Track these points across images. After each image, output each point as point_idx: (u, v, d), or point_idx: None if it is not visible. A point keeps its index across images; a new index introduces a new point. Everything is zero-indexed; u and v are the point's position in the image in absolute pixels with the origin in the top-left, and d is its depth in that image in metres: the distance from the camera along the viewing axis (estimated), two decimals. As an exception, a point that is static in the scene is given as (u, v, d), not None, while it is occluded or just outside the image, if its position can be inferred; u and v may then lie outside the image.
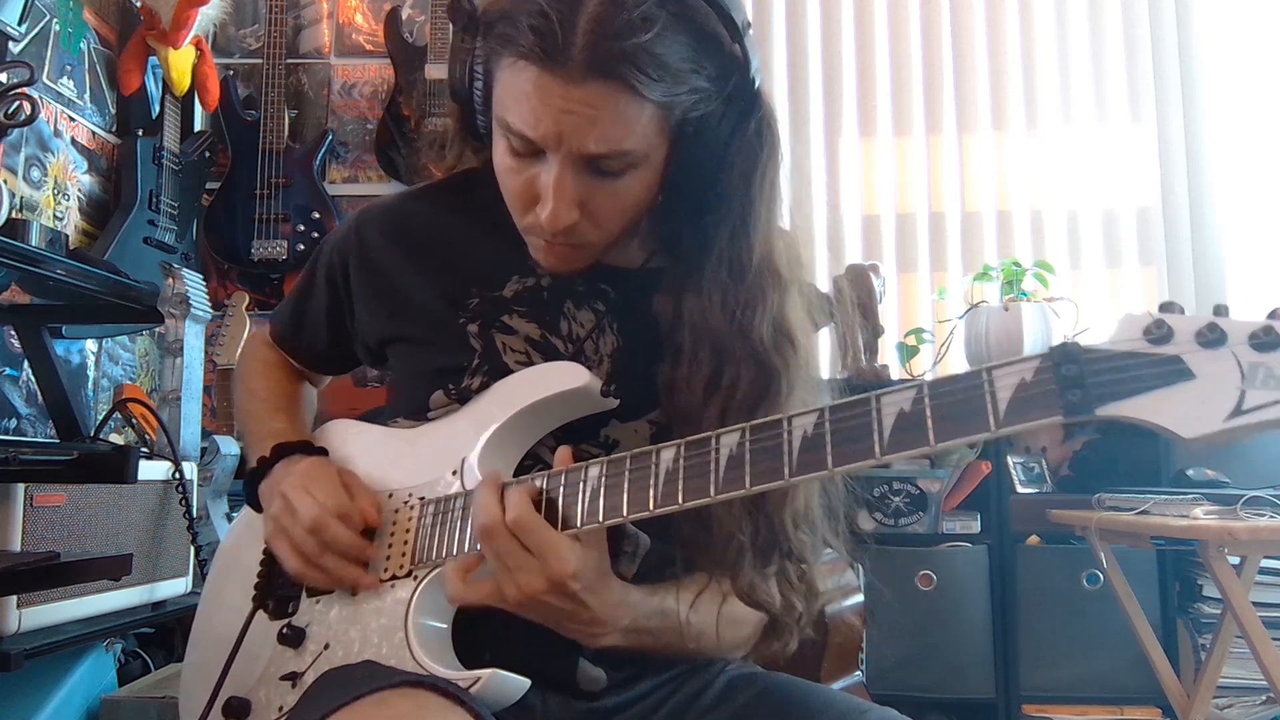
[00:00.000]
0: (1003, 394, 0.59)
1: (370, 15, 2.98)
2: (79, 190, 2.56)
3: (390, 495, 0.88)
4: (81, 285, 1.93)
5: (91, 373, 2.57)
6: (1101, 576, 2.11)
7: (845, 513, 0.86)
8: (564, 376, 0.84)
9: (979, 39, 2.89)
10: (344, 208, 2.84)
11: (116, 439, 2.37)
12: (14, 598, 1.46)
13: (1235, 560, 1.79)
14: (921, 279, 2.83)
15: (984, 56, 2.89)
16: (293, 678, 0.83)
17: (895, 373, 2.48)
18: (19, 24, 1.96)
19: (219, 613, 0.95)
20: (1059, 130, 2.84)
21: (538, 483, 0.78)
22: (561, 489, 0.76)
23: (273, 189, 2.76)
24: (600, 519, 0.74)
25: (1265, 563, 1.99)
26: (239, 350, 2.39)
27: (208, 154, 2.83)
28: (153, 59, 2.67)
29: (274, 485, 0.89)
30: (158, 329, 2.47)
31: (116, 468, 1.59)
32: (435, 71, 2.77)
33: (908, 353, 2.53)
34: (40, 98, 1.89)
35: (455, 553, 0.80)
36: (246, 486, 0.95)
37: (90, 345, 2.56)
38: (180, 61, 2.62)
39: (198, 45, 2.67)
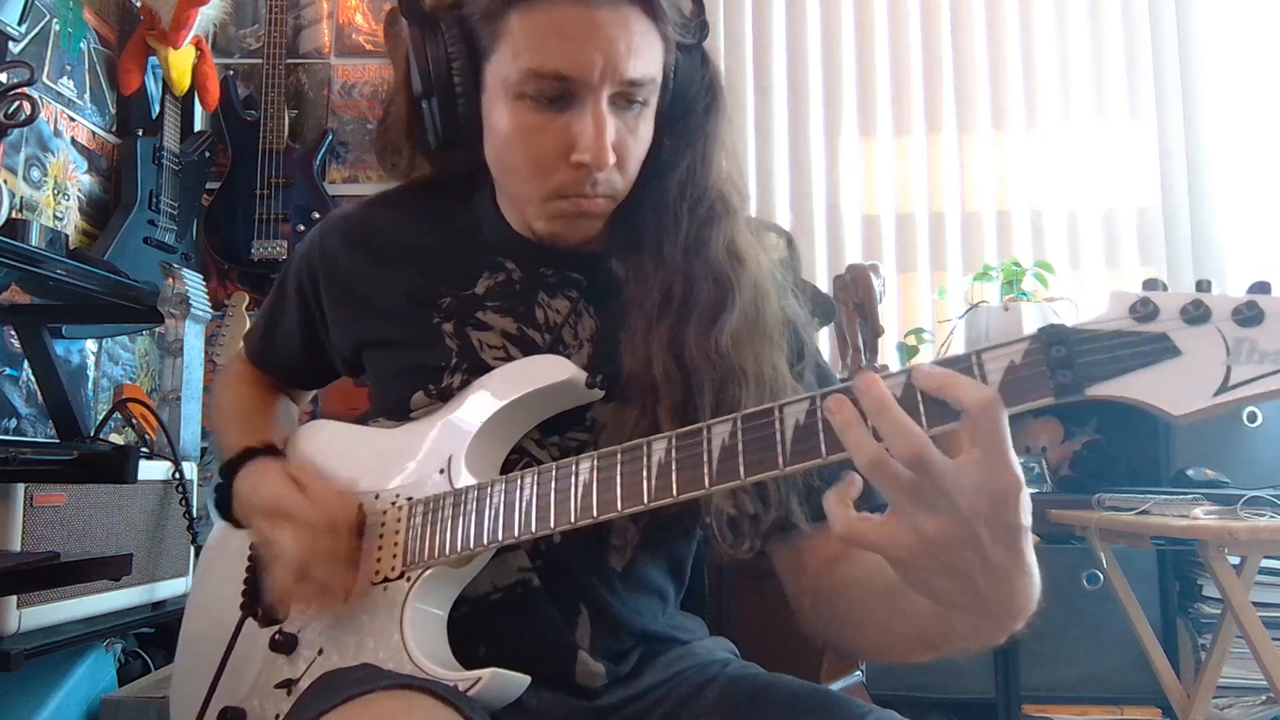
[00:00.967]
0: (993, 377, 0.59)
1: (370, 15, 2.98)
2: (79, 190, 2.56)
3: (377, 496, 0.88)
4: (81, 285, 1.93)
5: (91, 373, 2.57)
6: (1101, 576, 2.11)
7: None
8: (548, 370, 0.84)
9: (979, 39, 2.89)
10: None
11: (116, 439, 2.37)
12: (14, 598, 1.46)
13: (1235, 560, 1.79)
14: (921, 279, 2.83)
15: (984, 56, 2.89)
16: (288, 685, 0.82)
17: (895, 373, 2.48)
18: (19, 24, 1.96)
19: (207, 619, 0.94)
20: (1059, 130, 2.84)
21: (528, 478, 0.77)
22: (553, 483, 0.76)
23: (273, 189, 2.76)
24: (595, 514, 0.73)
25: (1265, 563, 1.99)
26: (219, 373, 2.39)
27: (208, 154, 2.83)
28: (153, 59, 2.67)
29: (244, 507, 0.90)
30: (158, 329, 2.47)
31: (116, 468, 1.59)
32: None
33: (908, 353, 2.53)
34: (40, 98, 1.89)
35: (448, 552, 0.80)
36: (217, 506, 0.95)
37: (90, 345, 2.56)
38: (180, 61, 2.62)
39: (198, 45, 2.67)
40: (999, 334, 2.37)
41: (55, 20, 2.45)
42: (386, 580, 0.82)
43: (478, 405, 0.86)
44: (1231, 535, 1.58)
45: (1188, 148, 2.78)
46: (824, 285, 2.65)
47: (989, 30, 2.90)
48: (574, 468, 0.76)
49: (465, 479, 0.83)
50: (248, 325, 2.43)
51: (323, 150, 2.86)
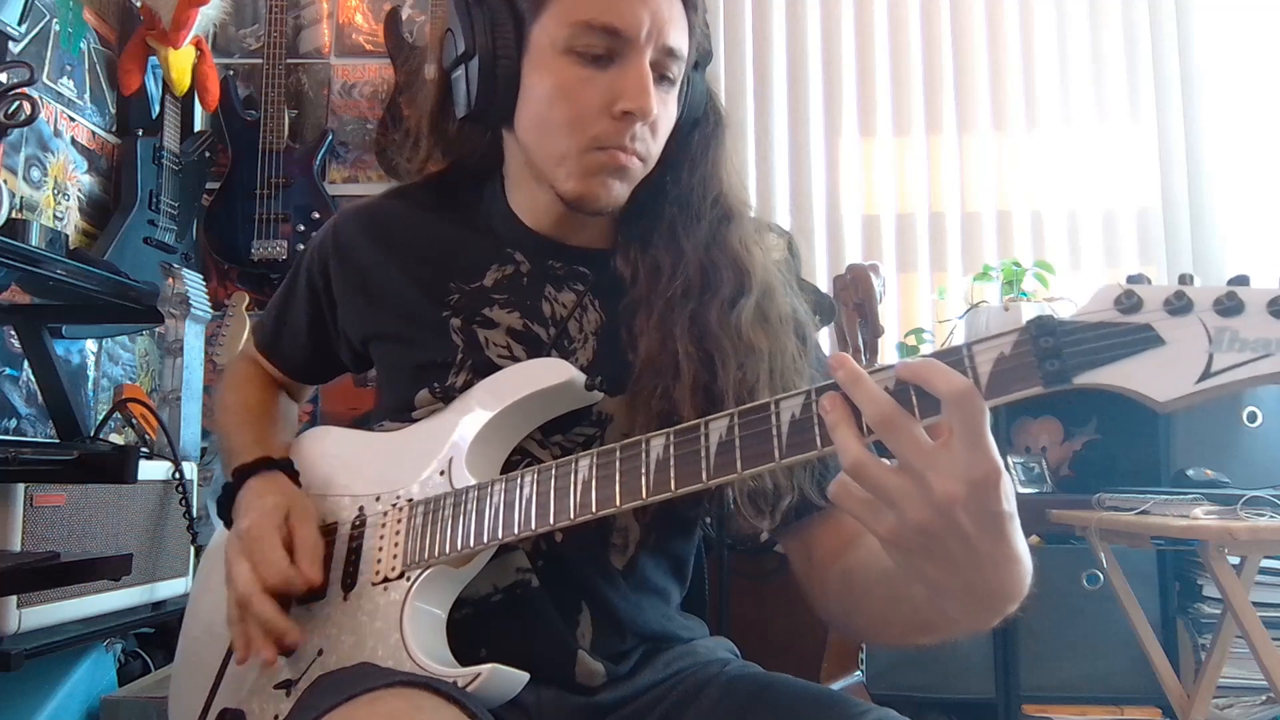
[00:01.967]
0: (983, 368, 0.60)
1: (370, 15, 2.98)
2: (79, 190, 2.56)
3: (378, 498, 0.88)
4: (81, 285, 1.93)
5: (91, 373, 2.57)
6: (1101, 576, 2.11)
7: None
8: (547, 373, 0.85)
9: (979, 39, 2.89)
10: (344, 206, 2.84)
11: (116, 439, 2.37)
12: (14, 598, 1.46)
13: (1235, 560, 1.79)
14: (921, 279, 2.83)
15: (984, 56, 2.89)
16: (287, 685, 0.82)
17: (895, 373, 2.48)
18: (19, 24, 1.96)
19: (207, 620, 0.95)
20: (1059, 130, 2.84)
21: (528, 476, 0.78)
22: (553, 481, 0.77)
23: (273, 189, 2.76)
24: (594, 510, 0.74)
25: (1265, 563, 1.99)
26: (224, 371, 2.39)
27: (208, 154, 2.83)
28: (153, 59, 2.67)
29: (235, 517, 0.90)
30: (158, 329, 2.47)
31: (116, 468, 1.59)
32: (435, 71, 2.77)
33: (908, 353, 2.53)
34: (40, 98, 1.89)
35: (448, 552, 0.80)
36: (219, 504, 0.95)
37: (90, 345, 2.56)
38: (180, 61, 2.62)
39: (198, 45, 2.67)
40: (999, 334, 2.37)
41: (55, 20, 2.45)
42: (387, 580, 0.82)
43: (478, 407, 0.86)
44: (1231, 535, 1.58)
45: (1188, 148, 2.78)
46: (824, 285, 2.65)
47: (989, 30, 2.90)
48: (573, 465, 0.76)
49: (466, 480, 0.83)
50: (248, 325, 2.44)
51: (323, 150, 2.86)
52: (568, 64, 0.84)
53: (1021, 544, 0.61)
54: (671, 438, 0.71)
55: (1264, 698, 2.03)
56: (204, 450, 2.12)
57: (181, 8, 2.56)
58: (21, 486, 1.51)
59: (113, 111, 2.70)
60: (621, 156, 0.85)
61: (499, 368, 0.89)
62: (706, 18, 0.92)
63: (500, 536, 0.78)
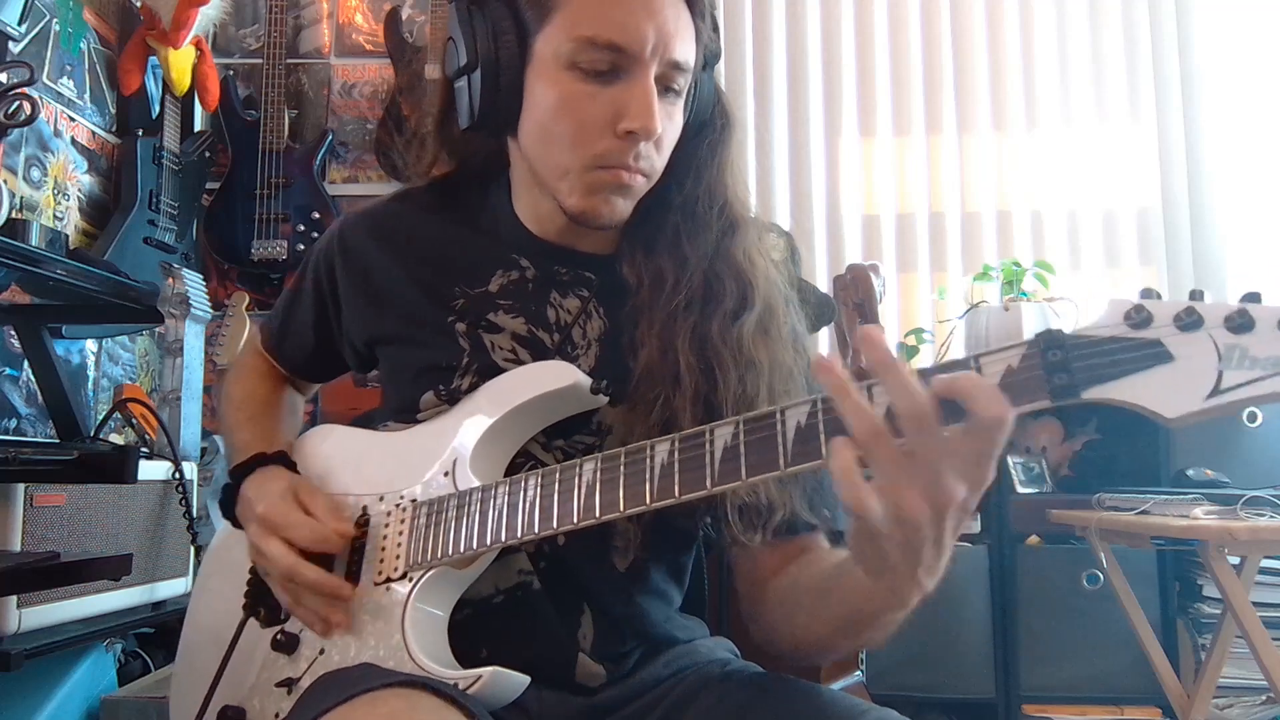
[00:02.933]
0: (990, 380, 0.60)
1: (370, 15, 2.98)
2: (79, 190, 2.56)
3: (382, 498, 0.88)
4: (81, 285, 1.93)
5: (91, 373, 2.57)
6: (1101, 576, 2.11)
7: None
8: (553, 376, 0.85)
9: (979, 39, 2.89)
10: (344, 208, 2.84)
11: (116, 439, 2.37)
12: (14, 598, 1.46)
13: (1235, 560, 1.79)
14: (921, 279, 2.83)
15: (984, 56, 2.89)
16: (288, 684, 0.82)
17: (895, 373, 2.47)
18: (19, 24, 1.96)
19: (208, 619, 0.95)
20: (1059, 130, 2.84)
21: (532, 479, 0.78)
22: (557, 484, 0.77)
23: (273, 189, 2.76)
24: (598, 515, 0.73)
25: (1265, 563, 1.99)
26: (238, 354, 2.39)
27: (208, 154, 2.83)
28: (153, 59, 2.67)
29: (246, 511, 0.90)
30: (158, 329, 2.47)
31: (116, 468, 1.59)
32: (435, 72, 2.77)
33: (908, 353, 2.53)
34: (40, 98, 1.89)
35: (451, 553, 0.80)
36: (222, 506, 0.95)
37: (90, 345, 2.56)
38: (180, 61, 2.62)
39: (198, 45, 2.67)
40: (999, 334, 2.37)
41: (55, 20, 2.45)
42: (389, 581, 0.82)
43: (483, 409, 0.86)
44: (1231, 535, 1.58)
45: (1188, 148, 2.78)
46: (824, 285, 2.65)
47: (989, 30, 2.90)
48: (578, 469, 0.76)
49: (470, 482, 0.83)
50: (248, 325, 2.43)
51: (323, 150, 2.86)
52: (571, 78, 0.82)
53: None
54: (676, 443, 0.71)
55: (1264, 698, 2.03)
56: (204, 450, 2.12)
57: (181, 8, 2.56)
58: (21, 486, 1.50)
59: (113, 111, 2.70)
60: (625, 175, 0.84)
61: (504, 371, 0.88)
62: (714, 15, 0.90)
63: (504, 539, 0.78)
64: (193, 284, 2.10)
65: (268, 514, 0.85)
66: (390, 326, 0.96)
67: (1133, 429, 2.32)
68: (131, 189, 2.57)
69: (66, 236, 2.19)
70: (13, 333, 2.19)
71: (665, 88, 0.84)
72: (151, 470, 1.81)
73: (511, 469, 0.87)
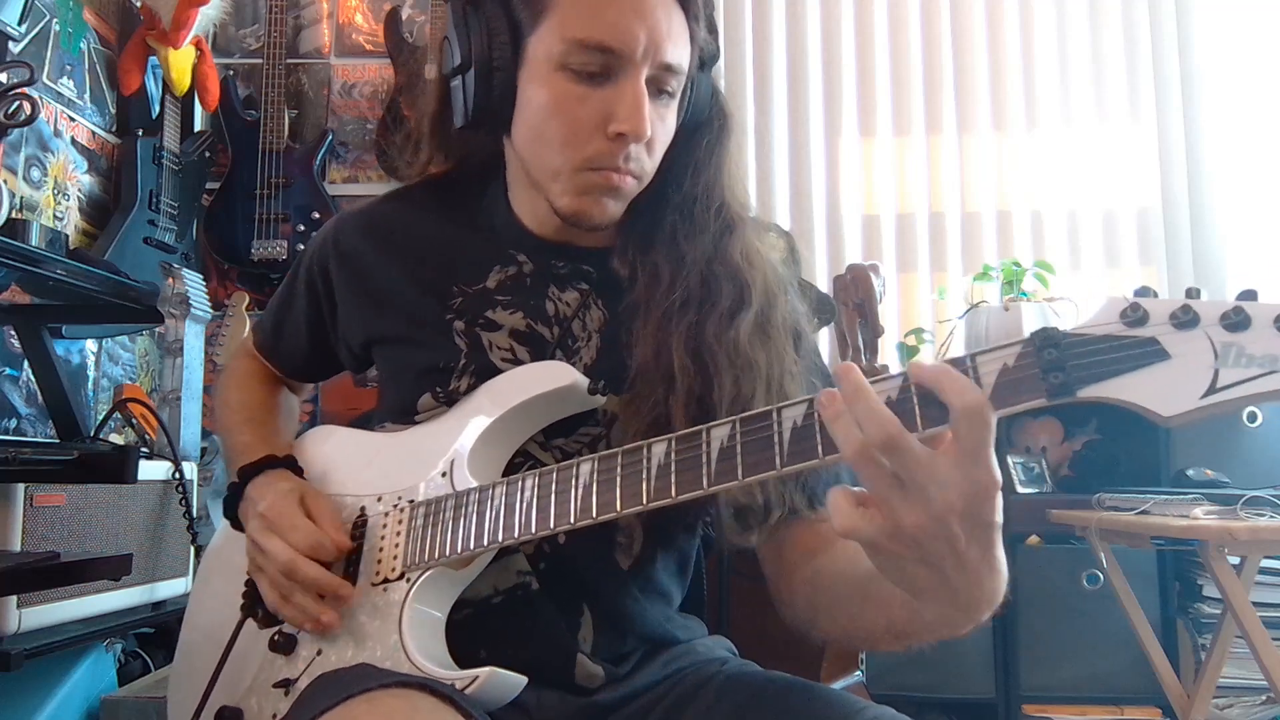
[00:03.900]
0: (986, 379, 0.60)
1: (370, 15, 2.98)
2: (79, 190, 2.56)
3: (379, 499, 0.88)
4: (81, 285, 1.93)
5: (91, 373, 2.57)
6: (1101, 576, 2.11)
7: None
8: (551, 376, 0.85)
9: (979, 39, 2.89)
10: (344, 208, 2.83)
11: (116, 439, 2.37)
12: (14, 598, 1.46)
13: (1235, 560, 1.79)
14: (921, 279, 2.83)
15: (984, 56, 2.89)
16: (285, 684, 0.82)
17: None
18: (19, 24, 1.96)
19: (206, 619, 0.95)
20: (1059, 130, 2.84)
21: (529, 480, 0.78)
22: (554, 485, 0.77)
23: (273, 189, 2.76)
24: (594, 515, 0.73)
25: (1265, 563, 1.99)
26: (225, 366, 2.39)
27: (208, 154, 2.83)
28: (153, 59, 2.67)
29: (249, 510, 0.89)
30: (158, 329, 2.47)
31: (116, 468, 1.59)
32: (435, 71, 2.77)
33: (908, 353, 2.53)
34: (40, 98, 1.88)
35: (448, 553, 0.80)
36: (226, 505, 0.94)
37: (90, 345, 2.56)
38: (180, 61, 2.62)
39: (198, 45, 2.67)
40: (999, 334, 2.37)
41: (55, 20, 2.45)
42: (387, 581, 0.82)
43: (481, 410, 0.86)
44: (1231, 535, 1.58)
45: (1188, 148, 2.78)
46: (824, 285, 2.65)
47: (989, 30, 2.90)
48: (574, 469, 0.76)
49: (467, 483, 0.83)
50: (248, 325, 2.43)
51: (323, 150, 2.86)
52: (562, 80, 0.82)
53: (1002, 556, 0.61)
54: (674, 444, 0.71)
55: (1264, 698, 2.03)
56: (204, 450, 2.12)
57: (181, 8, 2.56)
58: (21, 486, 1.51)
59: (113, 111, 2.70)
60: (615, 177, 0.85)
61: (501, 371, 0.89)
62: (712, 16, 0.90)
63: (500, 539, 0.78)
64: (193, 284, 2.10)
65: (270, 512, 0.85)
66: (388, 327, 0.96)
67: (1133, 429, 2.32)
68: (131, 189, 2.57)
69: (66, 236, 2.19)
70: (13, 333, 2.19)
71: (658, 90, 0.84)
72: (151, 470, 1.81)
73: (511, 469, 0.87)
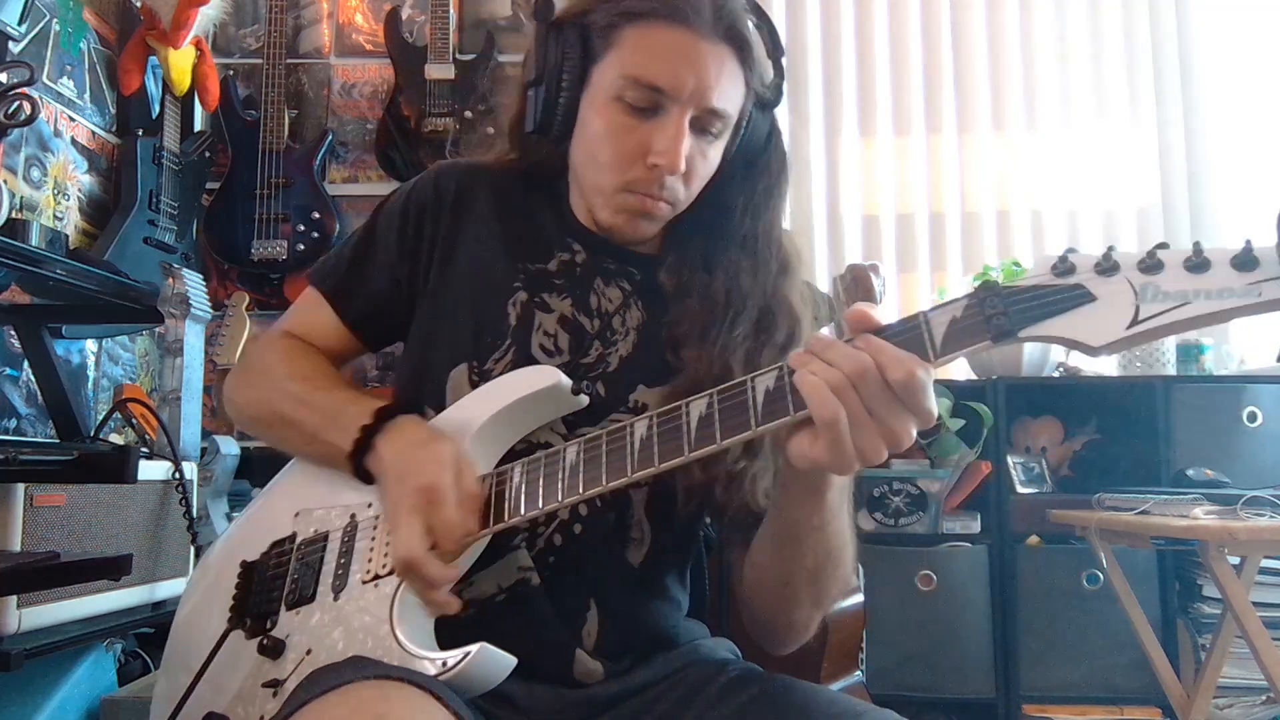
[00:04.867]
0: (938, 330, 0.68)
1: (370, 15, 2.98)
2: (79, 190, 2.56)
3: (370, 504, 0.89)
4: (81, 285, 1.93)
5: (91, 373, 2.57)
6: (1101, 576, 2.11)
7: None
8: (535, 378, 0.89)
9: (979, 39, 2.89)
10: (344, 208, 2.84)
11: (116, 439, 2.37)
12: (14, 598, 1.46)
13: (1235, 560, 1.79)
14: (921, 279, 2.83)
15: (984, 56, 2.89)
16: (274, 685, 0.83)
17: (895, 373, 2.47)
18: (19, 24, 1.96)
19: (196, 627, 0.95)
20: (1059, 130, 2.84)
21: (517, 469, 0.82)
22: (542, 468, 0.80)
23: (273, 189, 2.76)
24: (581, 490, 0.77)
25: (1265, 563, 1.99)
26: (239, 353, 2.39)
27: (208, 154, 2.83)
28: (153, 59, 2.67)
29: (396, 465, 0.84)
30: (158, 329, 2.47)
31: (116, 468, 1.59)
32: (435, 71, 2.77)
33: (908, 353, 2.53)
34: (40, 98, 1.88)
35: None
36: (355, 456, 0.88)
37: (90, 345, 2.56)
38: (180, 61, 2.62)
39: (198, 45, 2.67)
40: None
41: (55, 20, 2.45)
42: (378, 577, 0.84)
43: (470, 414, 0.89)
44: (1231, 535, 1.58)
45: (1188, 148, 2.78)
46: (824, 285, 2.65)
47: (989, 30, 2.90)
48: (561, 453, 0.80)
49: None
50: (248, 325, 2.43)
51: (323, 150, 2.86)
52: (617, 110, 0.90)
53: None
54: (655, 419, 0.76)
55: (1264, 698, 2.03)
56: (204, 450, 2.12)
57: (181, 8, 2.56)
58: (21, 486, 1.50)
59: (113, 111, 2.70)
60: (649, 202, 0.93)
61: (536, 361, 0.93)
62: (780, 62, 0.95)
63: (491, 524, 0.81)
64: (193, 284, 2.10)
65: (434, 486, 0.80)
66: (454, 273, 0.99)
67: (1133, 429, 2.32)
68: (131, 189, 2.57)
69: (66, 236, 2.19)
70: (13, 333, 2.19)
71: (701, 129, 0.91)
72: (151, 470, 1.81)
73: (506, 457, 0.89)
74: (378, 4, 2.96)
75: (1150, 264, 0.63)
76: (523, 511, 0.80)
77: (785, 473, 0.78)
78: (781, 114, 1.01)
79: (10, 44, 2.03)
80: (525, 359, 0.93)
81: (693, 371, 0.90)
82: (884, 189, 2.88)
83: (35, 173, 2.38)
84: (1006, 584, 2.21)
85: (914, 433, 0.68)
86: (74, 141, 2.53)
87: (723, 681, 0.88)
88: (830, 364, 0.67)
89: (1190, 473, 2.09)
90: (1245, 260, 0.62)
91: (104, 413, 2.32)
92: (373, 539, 0.86)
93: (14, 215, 2.16)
